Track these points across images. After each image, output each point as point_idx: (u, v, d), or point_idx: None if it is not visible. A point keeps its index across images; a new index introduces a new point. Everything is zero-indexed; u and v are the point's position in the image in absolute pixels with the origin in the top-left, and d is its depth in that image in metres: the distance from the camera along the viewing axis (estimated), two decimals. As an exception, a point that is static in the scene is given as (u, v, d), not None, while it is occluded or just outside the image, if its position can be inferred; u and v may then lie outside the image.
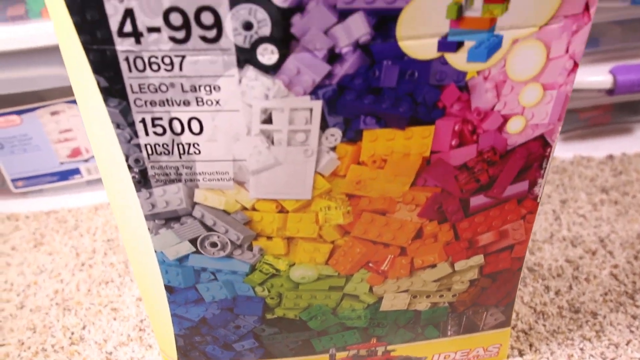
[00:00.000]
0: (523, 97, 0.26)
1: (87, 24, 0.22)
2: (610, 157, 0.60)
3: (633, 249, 0.49)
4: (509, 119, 0.27)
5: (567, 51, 0.25)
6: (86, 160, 0.55)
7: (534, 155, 0.28)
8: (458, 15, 0.23)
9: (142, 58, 0.23)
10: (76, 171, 0.56)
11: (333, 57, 0.23)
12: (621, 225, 0.51)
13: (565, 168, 0.59)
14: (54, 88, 0.50)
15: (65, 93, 0.52)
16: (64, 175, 0.56)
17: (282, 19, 0.22)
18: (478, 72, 0.25)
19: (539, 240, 0.50)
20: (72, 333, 0.43)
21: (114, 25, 0.22)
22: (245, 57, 0.23)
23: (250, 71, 0.23)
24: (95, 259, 0.50)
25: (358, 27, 0.22)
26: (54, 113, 0.52)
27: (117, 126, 0.25)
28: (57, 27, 0.24)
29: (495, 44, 0.24)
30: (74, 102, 0.51)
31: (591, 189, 0.56)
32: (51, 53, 0.48)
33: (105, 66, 0.23)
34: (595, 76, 0.55)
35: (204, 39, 0.22)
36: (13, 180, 0.56)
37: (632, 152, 0.60)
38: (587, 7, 0.24)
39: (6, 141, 0.53)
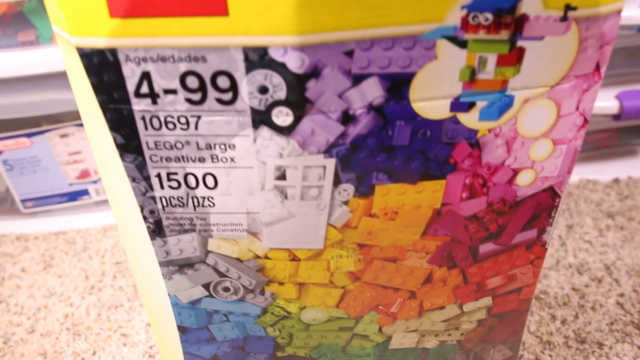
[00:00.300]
0: (533, 151, 0.26)
1: (104, 84, 0.23)
2: (616, 180, 0.60)
3: (639, 277, 0.49)
4: (519, 172, 0.27)
5: (577, 108, 0.25)
6: (95, 182, 0.56)
7: (543, 205, 0.28)
8: (471, 77, 0.23)
9: (158, 117, 0.23)
10: (85, 192, 0.56)
11: (347, 118, 0.23)
12: (627, 252, 0.52)
13: (571, 192, 0.59)
14: (63, 112, 0.51)
15: (74, 116, 0.52)
16: (73, 196, 0.56)
17: (297, 84, 0.22)
18: (489, 130, 0.25)
19: (545, 268, 0.50)
20: (83, 359, 0.44)
21: (130, 86, 0.23)
22: (260, 118, 0.23)
23: (265, 131, 0.23)
24: (105, 282, 0.50)
25: (372, 91, 0.23)
26: (63, 135, 0.53)
27: (133, 180, 0.25)
28: (74, 85, 0.24)
29: (506, 104, 0.24)
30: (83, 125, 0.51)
31: (597, 214, 0.56)
32: (60, 78, 0.48)
33: (122, 124, 0.24)
34: (602, 101, 0.55)
35: (220, 101, 0.23)
36: (22, 201, 0.56)
37: (637, 176, 0.61)
38: (597, 67, 0.25)
39: (16, 163, 0.53)
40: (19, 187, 0.55)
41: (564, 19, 0.22)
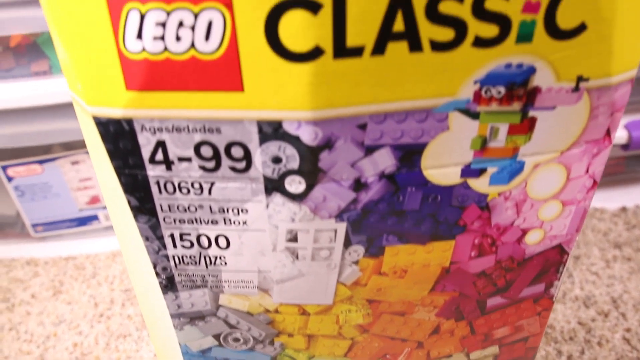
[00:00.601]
0: (542, 212, 0.26)
1: (120, 151, 0.23)
2: (624, 209, 0.60)
3: (645, 311, 0.49)
4: (528, 232, 0.27)
5: (587, 171, 0.26)
6: (104, 207, 0.56)
7: (551, 261, 0.29)
8: (482, 146, 0.23)
9: (172, 182, 0.24)
10: (94, 217, 0.57)
11: (358, 185, 0.24)
12: (634, 285, 0.52)
13: (578, 220, 0.59)
14: (75, 140, 0.51)
15: (85, 144, 0.53)
16: (83, 221, 0.57)
17: (310, 155, 0.22)
18: (499, 194, 0.25)
19: (551, 300, 0.50)
20: (91, 389, 0.44)
21: (145, 154, 0.23)
22: (273, 185, 0.23)
23: (277, 197, 0.24)
24: (113, 310, 0.51)
25: (384, 160, 0.23)
26: (74, 162, 0.53)
27: (146, 239, 0.26)
28: (89, 146, 0.25)
29: (517, 169, 0.25)
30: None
31: (604, 244, 0.56)
32: (72, 108, 0.49)
33: (136, 188, 0.24)
34: (611, 132, 0.55)
35: (233, 169, 0.23)
36: (33, 225, 0.57)
37: (645, 204, 0.61)
38: (608, 132, 0.25)
39: (27, 188, 0.54)
40: (30, 212, 0.55)
41: (576, 89, 0.23)
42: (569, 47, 0.21)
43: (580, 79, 0.22)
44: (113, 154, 0.23)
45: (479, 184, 0.25)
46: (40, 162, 0.53)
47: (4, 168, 0.53)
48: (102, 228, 0.58)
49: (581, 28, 0.21)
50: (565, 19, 0.20)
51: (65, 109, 0.49)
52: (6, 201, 0.56)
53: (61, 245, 0.57)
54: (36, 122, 0.49)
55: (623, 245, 0.56)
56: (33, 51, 0.48)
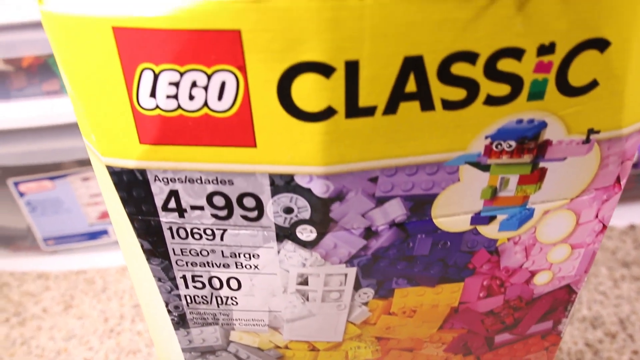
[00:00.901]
0: (551, 255, 0.27)
1: (133, 199, 0.23)
2: (632, 227, 0.60)
3: (653, 333, 0.49)
4: (537, 274, 0.27)
5: (596, 216, 0.26)
6: (115, 222, 0.57)
7: (559, 300, 0.29)
8: (492, 196, 0.24)
9: (185, 228, 0.24)
10: (104, 232, 0.57)
11: (369, 233, 0.24)
12: (641, 305, 0.52)
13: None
14: (86, 158, 0.51)
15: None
16: (93, 235, 0.57)
17: (322, 206, 0.23)
18: (508, 239, 0.25)
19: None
20: (102, 407, 0.45)
21: (158, 202, 0.23)
22: (285, 233, 0.24)
23: (289, 244, 0.24)
24: (123, 325, 0.51)
25: (395, 210, 0.23)
26: (85, 179, 0.54)
27: (159, 280, 0.26)
28: (103, 191, 0.25)
29: (526, 216, 0.25)
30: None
31: (612, 263, 0.56)
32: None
33: (149, 233, 0.24)
34: (620, 151, 0.55)
35: (245, 217, 0.23)
36: (44, 239, 0.57)
37: (654, 221, 0.60)
38: (618, 180, 0.25)
39: (39, 203, 0.55)
40: (41, 226, 0.56)
41: (587, 141, 0.23)
42: (580, 103, 0.21)
43: (591, 131, 0.22)
44: (126, 201, 0.23)
45: (489, 230, 0.25)
46: (52, 178, 0.53)
47: (16, 184, 0.53)
48: (112, 242, 0.58)
49: (593, 85, 0.21)
50: (577, 77, 0.21)
51: (75, 128, 0.49)
52: (17, 215, 0.56)
53: (72, 259, 0.58)
54: (47, 140, 0.50)
55: (631, 264, 0.56)
56: (44, 71, 0.49)
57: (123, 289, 0.55)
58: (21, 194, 0.54)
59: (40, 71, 0.49)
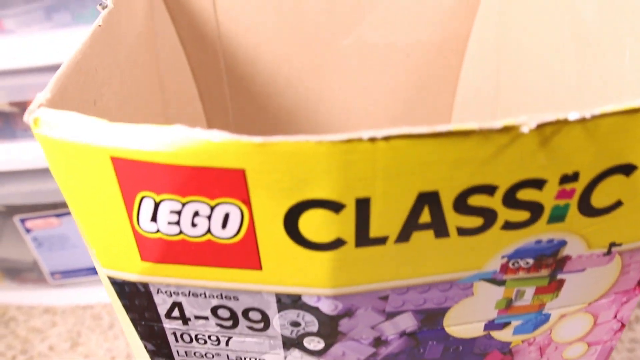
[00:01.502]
0: (567, 353, 0.26)
1: (136, 307, 0.23)
2: None
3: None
4: (552, 369, 0.26)
5: (615, 317, 0.25)
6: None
7: (576, 391, 0.28)
8: (507, 306, 0.23)
9: (189, 334, 0.23)
10: (111, 266, 0.57)
11: (378, 342, 0.23)
12: (655, 349, 0.51)
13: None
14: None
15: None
16: (100, 269, 0.57)
17: (330, 322, 0.22)
18: (522, 341, 0.24)
19: None
20: None
21: (162, 311, 0.23)
22: (292, 342, 0.23)
23: (296, 352, 0.23)
24: (130, 365, 0.51)
25: (405, 322, 0.22)
26: (90, 215, 0.53)
27: (163, 376, 0.25)
28: (108, 294, 0.24)
29: (542, 321, 0.24)
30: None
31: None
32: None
33: (153, 336, 0.24)
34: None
35: (251, 328, 0.23)
36: (51, 273, 0.57)
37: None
38: (639, 283, 0.24)
39: (45, 239, 0.54)
40: (48, 261, 0.56)
41: (608, 254, 0.22)
42: (603, 221, 0.20)
43: (612, 245, 0.21)
44: (129, 308, 0.23)
45: (503, 335, 0.24)
46: (58, 215, 0.53)
47: (22, 221, 0.53)
48: (118, 276, 0.58)
49: (617, 205, 0.20)
50: (600, 200, 0.19)
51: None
52: (24, 248, 0.56)
53: (79, 292, 0.58)
54: (52, 180, 0.49)
55: (645, 303, 0.55)
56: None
57: (130, 325, 0.55)
58: (27, 230, 0.53)
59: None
